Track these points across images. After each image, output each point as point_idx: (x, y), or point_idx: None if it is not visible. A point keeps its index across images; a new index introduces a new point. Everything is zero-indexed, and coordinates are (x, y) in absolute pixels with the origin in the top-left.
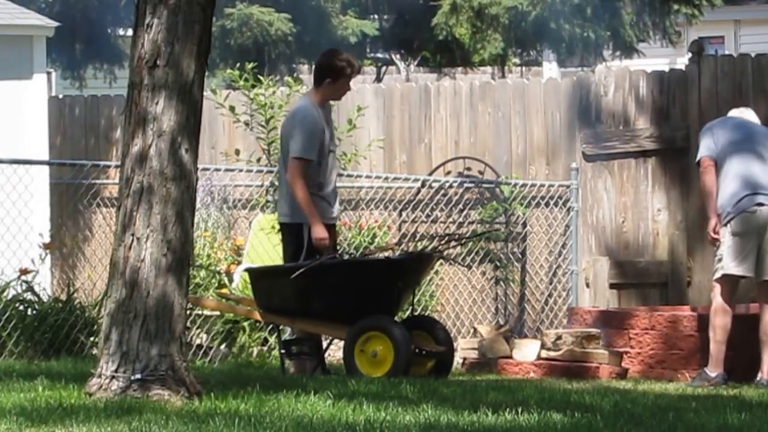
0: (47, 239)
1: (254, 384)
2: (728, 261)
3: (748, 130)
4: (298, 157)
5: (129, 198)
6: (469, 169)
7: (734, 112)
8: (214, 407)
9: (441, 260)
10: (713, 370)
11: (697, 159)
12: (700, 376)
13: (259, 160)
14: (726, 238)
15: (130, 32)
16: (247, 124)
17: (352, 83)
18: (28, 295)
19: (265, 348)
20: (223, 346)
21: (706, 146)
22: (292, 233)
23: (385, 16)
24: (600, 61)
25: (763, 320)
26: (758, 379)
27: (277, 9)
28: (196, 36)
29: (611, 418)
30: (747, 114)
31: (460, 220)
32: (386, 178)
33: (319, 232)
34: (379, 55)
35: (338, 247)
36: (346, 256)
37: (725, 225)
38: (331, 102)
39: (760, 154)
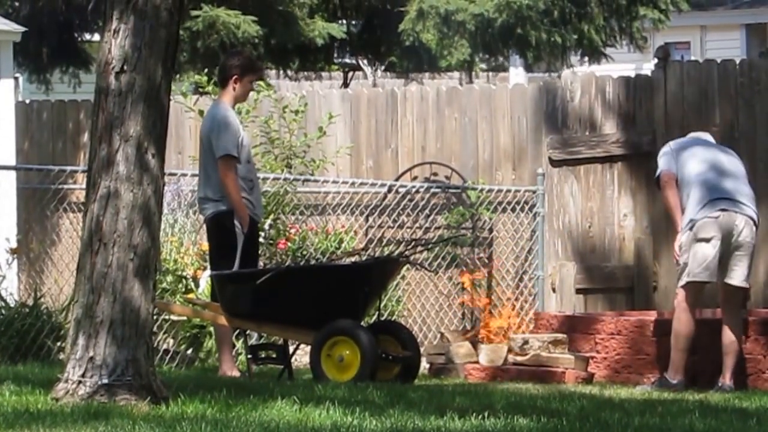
0: (14, 244)
1: (221, 389)
2: (693, 268)
3: (705, 142)
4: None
5: (96, 203)
6: (435, 174)
7: (692, 135)
8: (180, 412)
9: (408, 265)
10: (674, 377)
11: (657, 174)
12: (660, 382)
13: None
14: (690, 244)
15: (96, 37)
16: None
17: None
18: None
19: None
20: (189, 351)
21: (665, 162)
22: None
23: (353, 22)
24: (567, 66)
25: (726, 326)
26: (720, 384)
27: (244, 11)
28: (163, 41)
29: (577, 423)
30: (704, 137)
31: (427, 225)
32: (353, 183)
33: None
34: (347, 60)
35: (305, 252)
36: (313, 261)
37: (689, 231)
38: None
39: (719, 159)
